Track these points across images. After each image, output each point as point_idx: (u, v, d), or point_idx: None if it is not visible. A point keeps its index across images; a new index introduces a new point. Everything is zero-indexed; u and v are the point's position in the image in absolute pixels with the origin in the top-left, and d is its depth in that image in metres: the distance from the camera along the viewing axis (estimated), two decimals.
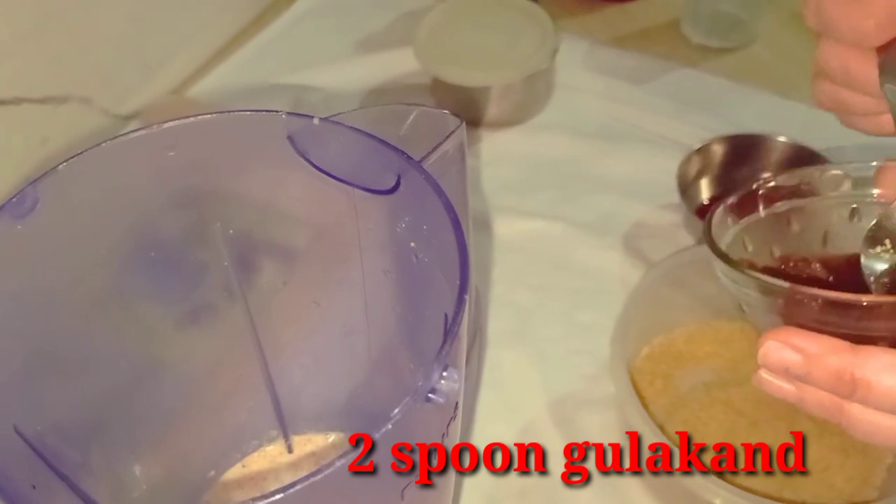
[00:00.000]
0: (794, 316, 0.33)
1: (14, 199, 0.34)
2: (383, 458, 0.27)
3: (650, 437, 0.45)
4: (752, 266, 0.39)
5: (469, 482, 0.50)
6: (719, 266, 0.36)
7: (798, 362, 0.32)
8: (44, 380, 0.36)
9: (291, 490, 0.25)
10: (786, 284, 0.33)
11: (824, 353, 0.32)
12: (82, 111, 0.67)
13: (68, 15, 0.63)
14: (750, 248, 0.41)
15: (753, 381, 0.35)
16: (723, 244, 0.39)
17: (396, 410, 0.26)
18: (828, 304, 0.32)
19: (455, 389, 0.27)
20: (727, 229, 0.41)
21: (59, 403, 0.37)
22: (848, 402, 0.32)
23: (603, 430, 0.52)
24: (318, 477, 0.25)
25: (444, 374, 0.27)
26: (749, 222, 0.41)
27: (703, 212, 0.64)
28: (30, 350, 0.36)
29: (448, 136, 0.37)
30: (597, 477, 0.50)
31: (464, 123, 0.39)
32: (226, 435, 0.48)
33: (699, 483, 0.42)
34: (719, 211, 0.40)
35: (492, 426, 0.52)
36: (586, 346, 0.56)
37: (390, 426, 0.26)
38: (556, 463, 0.51)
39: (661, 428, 0.46)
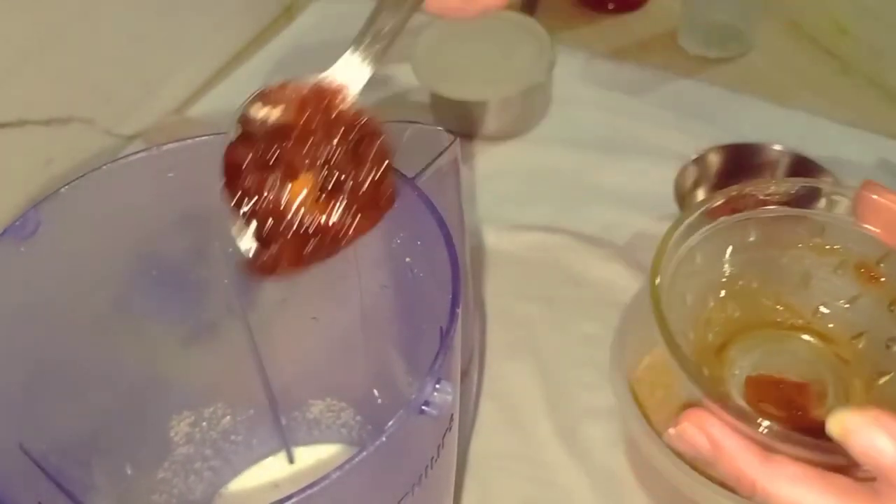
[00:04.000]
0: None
1: (17, 222, 0.35)
2: (380, 469, 0.27)
3: (651, 447, 0.45)
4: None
5: (472, 492, 0.50)
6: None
7: (708, 451, 0.33)
8: (48, 398, 0.37)
9: (290, 501, 0.26)
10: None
11: (735, 453, 0.33)
12: (85, 132, 0.68)
13: (69, 35, 0.64)
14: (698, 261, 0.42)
15: (664, 437, 0.36)
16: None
17: (391, 423, 0.26)
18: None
19: (449, 402, 0.28)
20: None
21: (63, 421, 0.38)
22: (758, 482, 0.32)
23: (605, 440, 0.52)
24: (316, 489, 0.26)
25: (438, 386, 0.27)
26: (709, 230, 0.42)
27: None
28: (34, 369, 0.36)
29: (442, 153, 0.38)
30: (600, 487, 0.50)
31: (458, 140, 0.39)
32: (228, 449, 0.48)
33: (701, 492, 0.43)
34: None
35: (493, 437, 0.53)
36: (587, 356, 0.56)
37: (384, 438, 0.26)
38: (559, 473, 0.51)
39: (663, 438, 0.46)
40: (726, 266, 0.47)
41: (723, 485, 0.44)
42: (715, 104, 0.72)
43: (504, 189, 0.67)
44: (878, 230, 0.41)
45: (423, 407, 0.27)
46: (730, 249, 0.46)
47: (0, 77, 0.60)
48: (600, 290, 0.60)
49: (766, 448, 0.33)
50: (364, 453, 0.26)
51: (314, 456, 0.49)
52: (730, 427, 0.33)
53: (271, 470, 0.49)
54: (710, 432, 0.33)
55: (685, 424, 0.34)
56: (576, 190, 0.67)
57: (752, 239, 0.46)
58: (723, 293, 0.47)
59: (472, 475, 0.51)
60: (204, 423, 0.46)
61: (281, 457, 0.49)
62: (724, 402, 0.35)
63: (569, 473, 0.51)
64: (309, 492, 0.26)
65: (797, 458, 0.32)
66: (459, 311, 0.29)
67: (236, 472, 0.49)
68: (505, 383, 0.56)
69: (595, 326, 0.58)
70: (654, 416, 0.52)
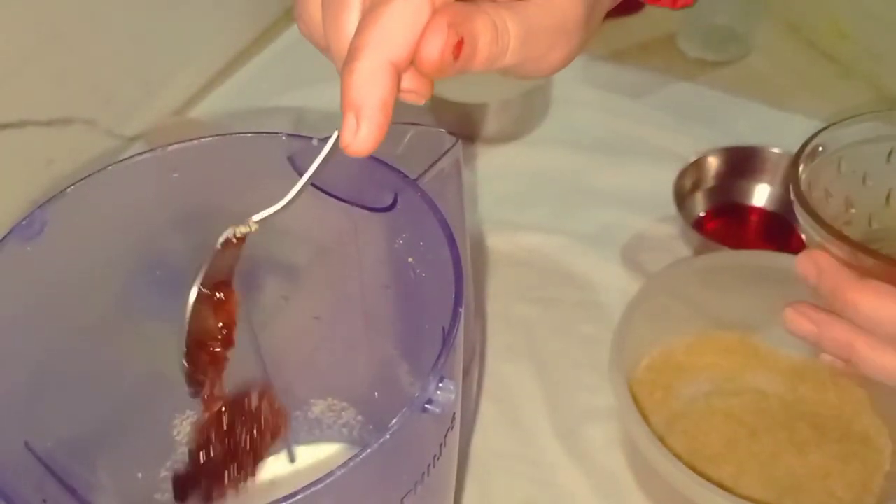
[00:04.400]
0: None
1: (23, 222, 0.35)
2: (382, 467, 0.28)
3: (650, 448, 0.45)
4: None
5: (472, 492, 0.50)
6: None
7: (814, 276, 0.38)
8: (53, 397, 0.37)
9: (293, 499, 0.26)
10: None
11: (835, 271, 0.37)
12: (87, 133, 0.68)
13: (70, 36, 0.64)
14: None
15: (782, 318, 0.39)
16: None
17: (394, 421, 0.27)
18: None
19: (452, 400, 0.28)
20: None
21: (68, 420, 0.38)
22: (856, 339, 0.36)
23: (604, 441, 0.52)
24: (320, 486, 0.26)
25: (440, 385, 0.28)
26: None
27: (700, 224, 0.64)
28: (40, 368, 0.37)
29: (444, 154, 0.38)
30: (599, 487, 0.50)
31: (459, 141, 0.40)
32: None
33: (700, 492, 0.43)
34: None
35: (493, 438, 0.53)
36: (587, 357, 0.56)
37: (388, 436, 0.26)
38: (559, 473, 0.51)
39: (662, 439, 0.47)
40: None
41: (720, 485, 0.44)
42: (714, 106, 0.73)
43: (504, 191, 0.68)
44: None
45: (426, 405, 0.27)
46: None
47: (1, 78, 0.60)
48: (600, 291, 0.60)
49: None
50: (368, 451, 0.26)
51: (315, 455, 0.50)
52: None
53: (272, 469, 0.49)
54: (818, 260, 0.38)
55: (800, 254, 0.39)
56: (575, 192, 0.67)
57: None
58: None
59: (472, 475, 0.51)
60: None
61: (281, 456, 0.50)
62: (839, 235, 0.38)
63: (568, 474, 0.51)
64: (313, 489, 0.26)
65: None
66: (462, 310, 0.30)
67: None
68: (505, 384, 0.56)
69: (594, 327, 0.58)
70: (653, 416, 0.52)
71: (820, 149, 0.43)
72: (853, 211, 0.45)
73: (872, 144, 0.45)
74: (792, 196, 0.40)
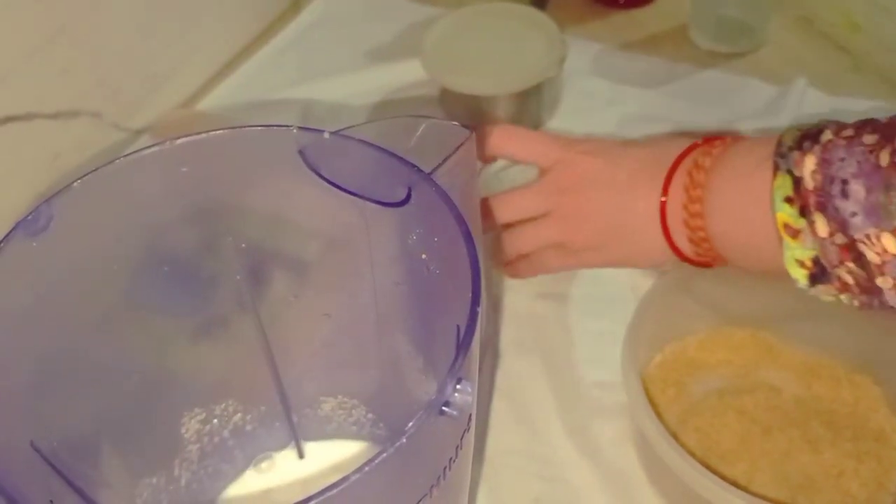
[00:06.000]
0: None
1: (29, 217, 0.35)
2: (398, 470, 0.27)
3: (663, 445, 0.44)
4: None
5: (483, 490, 0.50)
6: None
7: None
8: (59, 395, 0.37)
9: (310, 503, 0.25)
10: None
11: None
12: (93, 126, 0.67)
13: (77, 29, 0.64)
14: None
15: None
16: None
17: (411, 424, 0.26)
18: None
19: (469, 402, 0.27)
20: None
21: (73, 418, 0.37)
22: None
23: (616, 438, 0.52)
24: (335, 491, 0.26)
25: (458, 387, 0.27)
26: None
27: None
28: (45, 364, 0.36)
29: (458, 148, 0.37)
30: (611, 484, 0.50)
31: (473, 134, 0.39)
32: (238, 445, 0.48)
33: (713, 490, 0.42)
34: None
35: (505, 435, 0.52)
36: (598, 354, 0.56)
37: (405, 440, 0.26)
38: (570, 470, 0.51)
39: (675, 436, 0.46)
40: None
41: (733, 483, 0.44)
42: (726, 96, 0.72)
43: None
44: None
45: (444, 407, 0.27)
46: None
47: (8, 71, 0.59)
48: (612, 287, 0.60)
49: None
50: (384, 454, 0.26)
51: (325, 452, 0.49)
52: None
53: (282, 466, 0.49)
54: None
55: None
56: None
57: None
58: None
59: (483, 473, 0.51)
60: (215, 420, 0.46)
61: (292, 454, 0.49)
62: None
63: (579, 471, 0.51)
64: (327, 494, 0.26)
65: None
66: (480, 309, 0.29)
67: (246, 469, 0.48)
68: (516, 381, 0.55)
69: (607, 324, 0.57)
70: (665, 413, 0.52)
71: None
72: None
73: None
74: None
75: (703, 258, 0.50)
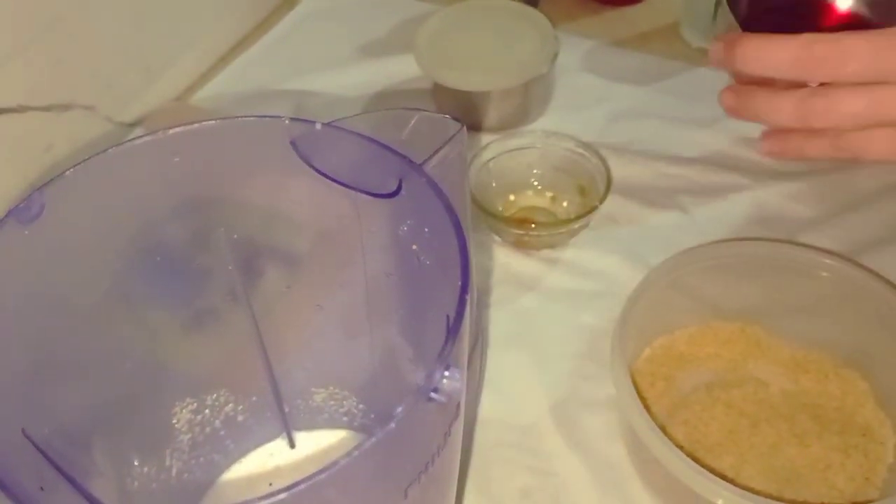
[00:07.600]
0: None
1: (21, 205, 0.35)
2: (387, 456, 0.27)
3: (651, 438, 0.45)
4: None
5: (472, 482, 0.50)
6: None
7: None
8: (51, 383, 0.37)
9: (297, 489, 0.26)
10: None
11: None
12: (86, 118, 0.67)
13: (70, 21, 0.64)
14: None
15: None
16: None
17: (399, 409, 0.26)
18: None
19: (457, 389, 0.28)
20: None
21: (65, 406, 0.37)
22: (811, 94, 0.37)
23: (605, 431, 0.52)
24: (323, 476, 0.26)
25: (447, 373, 0.27)
26: None
27: None
28: (37, 353, 0.36)
29: (448, 141, 0.38)
30: (599, 477, 0.50)
31: (464, 128, 0.39)
32: (230, 435, 0.48)
33: (701, 483, 0.43)
34: None
35: (494, 428, 0.53)
36: (587, 347, 0.56)
37: (394, 425, 0.26)
38: (559, 463, 0.51)
39: (663, 429, 0.47)
40: None
41: (721, 475, 0.44)
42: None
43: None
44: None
45: (432, 394, 0.27)
46: None
47: (0, 62, 0.59)
48: (601, 280, 0.60)
49: None
50: (372, 440, 0.26)
51: (315, 442, 0.49)
52: None
53: (273, 455, 0.49)
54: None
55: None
56: None
57: None
58: None
59: (472, 464, 0.51)
60: (207, 411, 0.46)
61: (282, 442, 0.49)
62: None
63: (568, 464, 0.51)
64: (316, 479, 0.26)
65: None
66: (468, 297, 0.29)
67: (238, 458, 0.49)
68: (505, 374, 0.56)
69: (595, 317, 0.58)
70: (654, 407, 0.52)
71: None
72: None
73: None
74: None
75: None
